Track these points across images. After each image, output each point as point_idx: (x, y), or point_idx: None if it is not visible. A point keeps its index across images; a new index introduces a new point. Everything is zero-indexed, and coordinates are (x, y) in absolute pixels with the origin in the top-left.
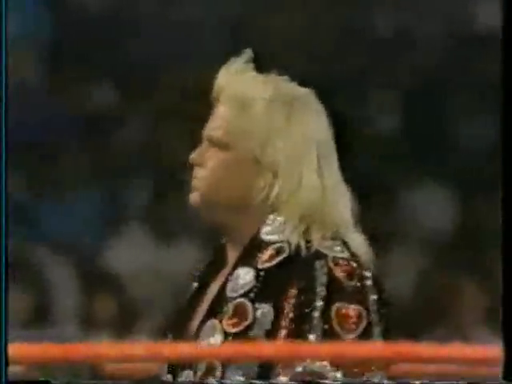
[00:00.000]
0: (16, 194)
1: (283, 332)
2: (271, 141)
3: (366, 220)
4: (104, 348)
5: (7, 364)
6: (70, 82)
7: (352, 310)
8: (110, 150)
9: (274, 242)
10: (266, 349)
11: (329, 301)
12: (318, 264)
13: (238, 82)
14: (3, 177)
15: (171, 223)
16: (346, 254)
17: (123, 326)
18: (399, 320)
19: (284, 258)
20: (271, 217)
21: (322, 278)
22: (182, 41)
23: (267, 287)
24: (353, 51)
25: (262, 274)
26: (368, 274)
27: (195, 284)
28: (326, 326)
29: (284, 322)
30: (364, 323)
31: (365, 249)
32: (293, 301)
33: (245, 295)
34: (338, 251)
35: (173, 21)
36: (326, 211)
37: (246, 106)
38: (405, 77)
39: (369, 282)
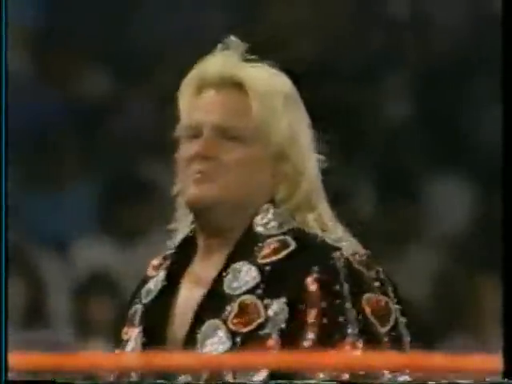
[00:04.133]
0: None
1: (311, 330)
2: (292, 137)
3: (384, 213)
4: (99, 357)
5: (7, 364)
6: (63, 69)
7: (381, 300)
8: (109, 139)
9: (273, 235)
10: (278, 358)
11: (357, 292)
12: (335, 255)
13: (257, 72)
14: (3, 176)
15: None
16: (355, 247)
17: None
18: (416, 317)
19: (292, 251)
20: (264, 207)
21: (343, 270)
22: (182, 22)
23: (277, 282)
24: (366, 36)
25: (267, 268)
26: (379, 267)
27: (160, 284)
28: (361, 317)
29: (309, 319)
30: (393, 314)
31: (357, 245)
32: (315, 295)
33: (250, 292)
34: (345, 244)
35: (173, 1)
36: (319, 202)
37: (268, 99)
38: (419, 61)
39: (382, 275)
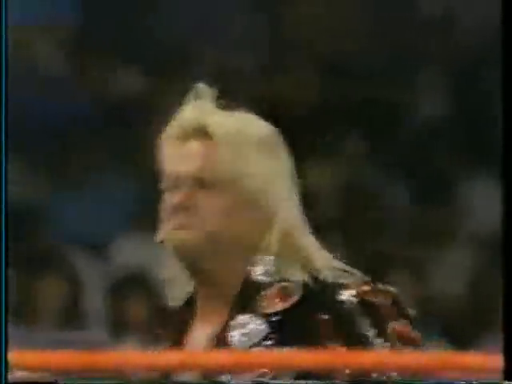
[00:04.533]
0: (38, 191)
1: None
2: (268, 182)
3: (420, 214)
4: (131, 356)
5: (7, 364)
6: (93, 68)
7: (403, 326)
8: (140, 139)
9: (274, 282)
10: (307, 357)
11: (380, 321)
12: (344, 293)
13: (226, 120)
14: (3, 176)
15: None
16: (358, 278)
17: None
18: (451, 319)
19: (299, 298)
20: (259, 256)
21: (354, 305)
22: (211, 21)
23: (287, 332)
24: (395, 34)
25: (274, 319)
26: (391, 290)
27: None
28: (388, 345)
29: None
30: (417, 335)
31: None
32: (331, 340)
33: (258, 345)
34: (349, 279)
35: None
36: (305, 244)
37: (240, 146)
38: (451, 60)
39: (397, 297)
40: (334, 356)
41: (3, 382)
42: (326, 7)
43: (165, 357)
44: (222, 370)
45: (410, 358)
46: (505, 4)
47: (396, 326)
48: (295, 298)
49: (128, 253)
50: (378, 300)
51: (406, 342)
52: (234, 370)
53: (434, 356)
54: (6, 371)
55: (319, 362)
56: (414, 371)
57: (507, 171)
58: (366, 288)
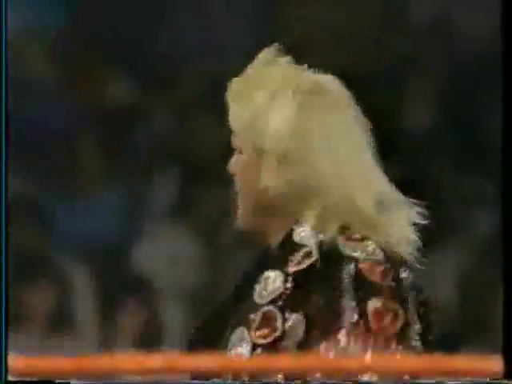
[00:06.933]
0: (36, 193)
1: (323, 343)
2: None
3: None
4: (119, 360)
5: (7, 364)
6: (87, 76)
7: (388, 308)
8: (132, 146)
9: (305, 245)
10: (296, 361)
11: (362, 300)
12: (346, 268)
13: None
14: (3, 176)
15: (204, 222)
16: (377, 255)
17: (150, 337)
18: (441, 322)
19: (312, 262)
20: (305, 217)
21: (350, 282)
22: (207, 28)
23: (296, 294)
24: (389, 39)
25: (290, 278)
26: (404, 274)
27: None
28: (362, 324)
29: (319, 332)
30: (401, 322)
31: (404, 246)
32: (322, 308)
33: (273, 302)
34: (369, 252)
35: (198, 6)
36: (353, 205)
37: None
38: (443, 66)
39: (405, 282)
40: (322, 360)
41: (3, 381)
42: (321, 18)
43: (153, 360)
44: (209, 373)
45: (405, 361)
46: (504, 10)
47: (377, 306)
48: (307, 262)
49: (125, 260)
50: (375, 280)
51: (380, 325)
52: (221, 373)
53: (428, 359)
54: (6, 371)
55: (306, 366)
56: (411, 374)
57: (507, 171)
58: (372, 268)
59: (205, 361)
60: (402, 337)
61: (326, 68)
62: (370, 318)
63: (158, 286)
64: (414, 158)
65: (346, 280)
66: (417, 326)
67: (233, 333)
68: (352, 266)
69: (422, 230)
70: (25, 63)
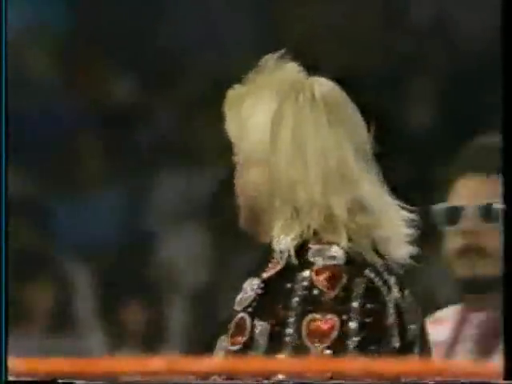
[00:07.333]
0: (36, 193)
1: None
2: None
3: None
4: (121, 363)
5: (7, 364)
6: (87, 74)
7: (325, 321)
8: (133, 146)
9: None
10: (272, 364)
11: (303, 314)
12: (299, 275)
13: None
14: (3, 176)
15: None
16: (338, 260)
17: (151, 339)
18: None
19: (280, 269)
20: (282, 222)
21: (300, 291)
22: (209, 26)
23: (264, 301)
24: (390, 39)
25: (261, 285)
26: (360, 279)
27: None
28: (298, 342)
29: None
30: (335, 334)
31: (391, 247)
32: (278, 317)
33: (245, 309)
34: (326, 256)
35: (199, 4)
36: (322, 209)
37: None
38: (444, 66)
39: (358, 289)
40: (315, 362)
41: (3, 382)
42: (323, 17)
43: (155, 362)
44: (213, 374)
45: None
46: (504, 10)
47: (314, 320)
48: (276, 269)
49: (126, 259)
50: (324, 288)
51: (314, 340)
52: (229, 374)
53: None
54: (6, 370)
55: (302, 368)
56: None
57: (507, 171)
58: (323, 274)
59: (206, 363)
60: (337, 350)
61: (325, 68)
62: (305, 333)
63: (160, 286)
64: (414, 158)
65: (297, 290)
66: (355, 339)
67: (218, 339)
68: (307, 273)
69: (415, 231)
70: (25, 63)
